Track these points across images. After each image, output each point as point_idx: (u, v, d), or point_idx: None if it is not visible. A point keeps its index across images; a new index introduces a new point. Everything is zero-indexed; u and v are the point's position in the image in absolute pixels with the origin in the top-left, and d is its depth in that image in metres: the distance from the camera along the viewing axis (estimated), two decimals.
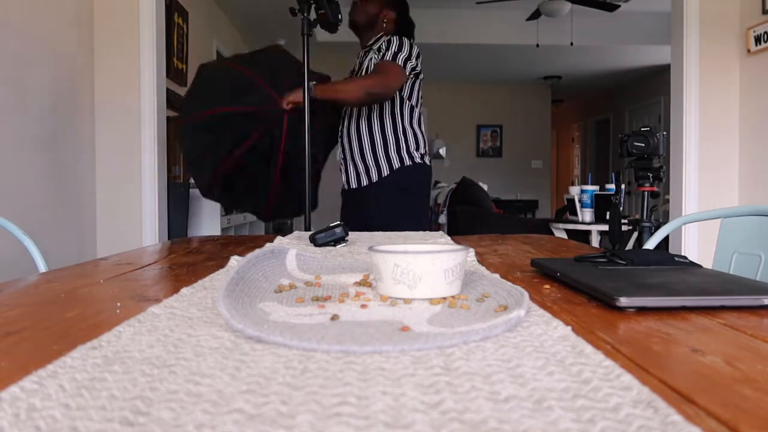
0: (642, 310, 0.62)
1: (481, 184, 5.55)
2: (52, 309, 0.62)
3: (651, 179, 2.09)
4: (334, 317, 0.56)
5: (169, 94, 3.60)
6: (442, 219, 4.35)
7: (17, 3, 2.27)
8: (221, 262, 1.03)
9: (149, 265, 0.99)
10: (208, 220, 3.39)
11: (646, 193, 2.14)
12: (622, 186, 3.96)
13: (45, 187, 2.46)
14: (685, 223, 1.40)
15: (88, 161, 2.79)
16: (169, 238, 2.98)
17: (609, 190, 3.86)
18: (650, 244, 1.29)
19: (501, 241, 1.49)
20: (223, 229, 3.56)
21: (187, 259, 1.11)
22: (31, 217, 2.35)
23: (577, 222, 3.95)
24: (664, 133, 2.19)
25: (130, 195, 2.82)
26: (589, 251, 1.26)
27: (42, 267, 1.14)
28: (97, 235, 2.83)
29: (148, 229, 2.80)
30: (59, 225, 2.57)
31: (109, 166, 2.83)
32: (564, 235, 3.98)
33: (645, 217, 2.10)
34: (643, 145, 2.09)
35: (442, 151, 7.26)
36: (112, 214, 2.83)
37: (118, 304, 0.64)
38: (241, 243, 1.42)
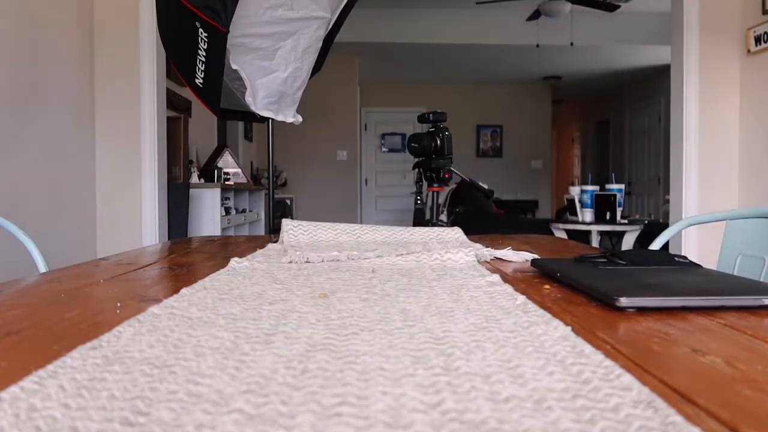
0: (642, 311, 0.62)
1: (481, 184, 5.51)
2: (52, 309, 0.62)
3: (436, 179, 2.06)
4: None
5: (169, 94, 3.60)
6: (443, 218, 4.35)
7: (16, 3, 2.27)
8: (221, 262, 1.03)
9: (149, 265, 0.99)
10: (208, 220, 3.39)
11: (434, 193, 2.13)
12: (622, 186, 3.96)
13: (44, 187, 2.46)
14: (690, 225, 1.39)
15: (88, 161, 2.80)
16: (169, 239, 2.98)
17: (610, 190, 3.86)
18: (655, 245, 1.29)
19: (501, 241, 1.49)
20: (223, 229, 3.56)
21: (187, 259, 1.11)
22: (31, 217, 2.35)
23: (577, 222, 3.95)
24: (447, 133, 2.13)
25: (130, 195, 2.82)
26: (590, 251, 1.26)
27: (42, 267, 1.14)
28: (97, 235, 2.83)
29: (148, 230, 2.80)
30: (59, 225, 2.57)
31: (109, 167, 2.83)
32: (564, 236, 3.98)
33: (435, 218, 2.10)
34: (416, 145, 2.09)
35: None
36: (112, 215, 2.83)
37: (118, 304, 0.64)
38: (241, 243, 1.42)
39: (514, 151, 9.31)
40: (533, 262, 0.95)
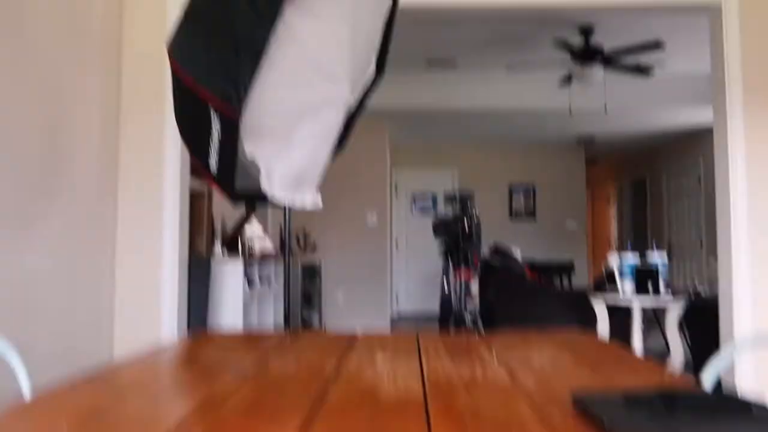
0: None
1: (514, 248, 5.39)
2: None
3: (463, 261, 1.91)
4: None
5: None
6: (471, 308, 4.18)
7: (42, 81, 2.28)
8: (216, 386, 0.91)
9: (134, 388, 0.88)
10: (231, 296, 3.29)
11: (463, 283, 1.97)
12: (664, 256, 3.75)
13: (63, 270, 2.41)
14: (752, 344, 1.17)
15: (109, 243, 2.75)
16: (188, 323, 2.87)
17: (652, 265, 3.64)
18: (707, 376, 1.10)
19: (537, 344, 1.34)
20: (245, 305, 3.43)
21: (184, 375, 1.00)
22: (47, 303, 2.29)
23: (617, 292, 3.74)
24: (476, 221, 2.01)
25: (150, 280, 2.75)
26: (638, 369, 1.10)
27: (26, 389, 1.02)
28: (114, 321, 2.75)
29: (167, 314, 2.70)
30: (76, 308, 2.50)
31: (130, 248, 2.77)
32: (603, 308, 3.76)
33: (462, 307, 1.92)
34: (441, 230, 1.97)
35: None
36: (131, 299, 2.75)
37: None
38: (249, 346, 1.30)
39: (548, 212, 9.12)
40: (575, 400, 0.80)
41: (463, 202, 2.01)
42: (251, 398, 0.87)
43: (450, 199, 2.17)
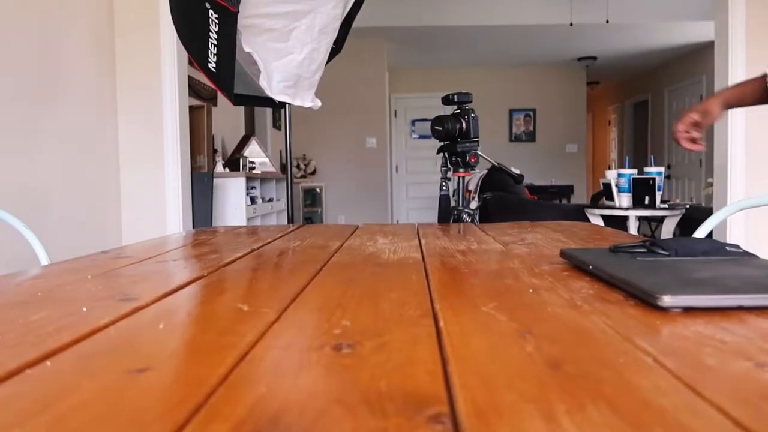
0: (689, 311, 0.52)
1: (513, 169, 5.39)
2: (18, 310, 0.56)
3: (462, 164, 1.94)
4: None
5: (195, 83, 3.57)
6: (473, 205, 4.24)
7: None
8: (225, 255, 0.96)
9: (147, 259, 0.93)
10: (233, 209, 3.36)
11: (460, 178, 2.01)
12: (661, 168, 3.79)
13: (70, 176, 2.45)
14: (741, 209, 1.26)
15: (112, 151, 2.78)
16: (193, 228, 2.95)
17: (648, 173, 3.68)
18: (700, 232, 1.17)
19: (530, 228, 1.40)
20: (248, 219, 3.53)
21: (193, 251, 1.05)
22: (56, 207, 2.34)
23: (613, 207, 3.79)
24: (473, 115, 2.00)
25: (154, 184, 2.80)
26: (626, 239, 1.16)
27: (44, 260, 1.10)
28: (122, 225, 2.82)
29: (172, 219, 2.77)
30: (84, 215, 2.56)
31: (133, 156, 2.81)
32: (600, 222, 3.82)
33: (461, 204, 1.97)
34: (440, 129, 1.97)
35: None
36: (137, 205, 2.81)
37: (84, 309, 0.57)
38: (255, 233, 1.36)
39: (548, 135, 9.08)
40: (563, 252, 0.86)
41: (460, 101, 2.01)
42: (268, 262, 0.93)
43: (448, 99, 2.16)
